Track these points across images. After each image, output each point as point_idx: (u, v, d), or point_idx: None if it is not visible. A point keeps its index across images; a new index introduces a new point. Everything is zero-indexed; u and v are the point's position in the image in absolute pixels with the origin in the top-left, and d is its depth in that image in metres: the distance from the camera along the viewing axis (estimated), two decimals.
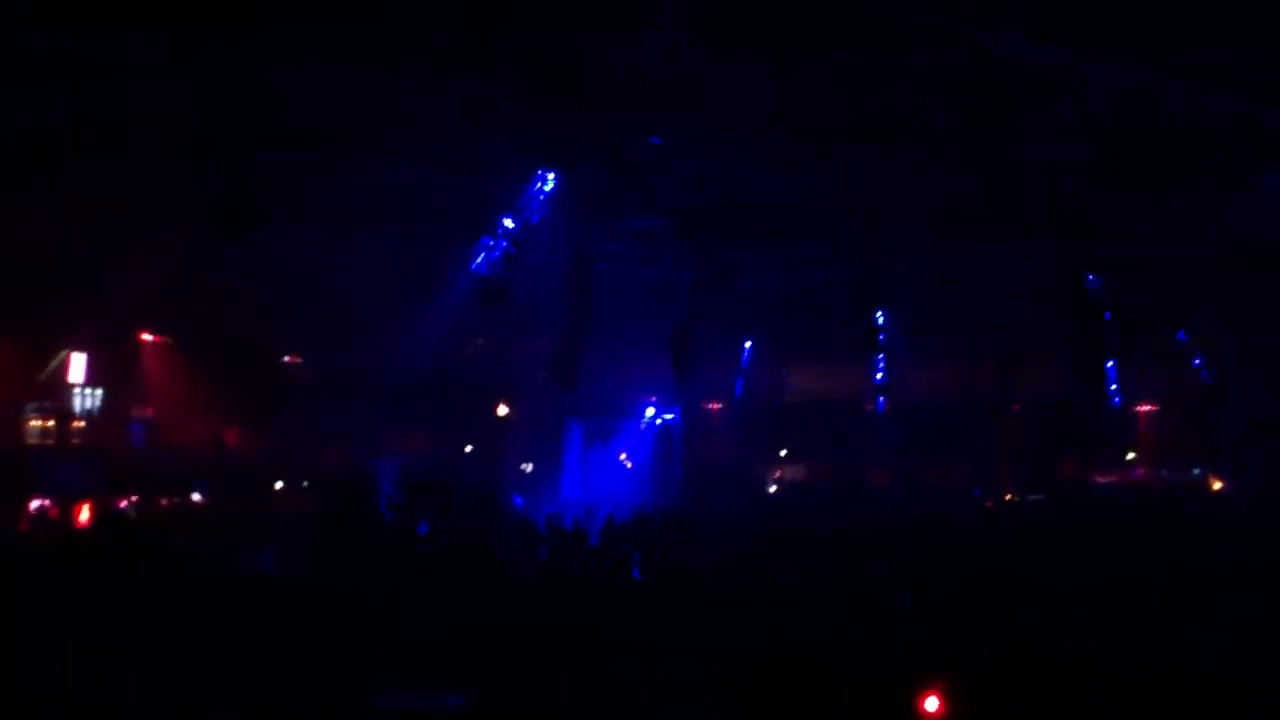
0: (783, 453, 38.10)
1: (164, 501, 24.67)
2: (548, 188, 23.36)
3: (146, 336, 28.04)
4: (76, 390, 27.66)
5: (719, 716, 10.60)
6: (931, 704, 10.16)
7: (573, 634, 11.95)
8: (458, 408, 28.77)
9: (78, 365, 27.40)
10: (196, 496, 25.14)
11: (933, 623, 13.00)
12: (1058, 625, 12.93)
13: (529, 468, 31.97)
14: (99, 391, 28.00)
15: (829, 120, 21.45)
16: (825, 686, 10.47)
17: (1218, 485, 33.71)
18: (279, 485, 25.62)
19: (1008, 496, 33.54)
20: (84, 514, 22.44)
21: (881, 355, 33.94)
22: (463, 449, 29.06)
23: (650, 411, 35.18)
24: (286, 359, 26.57)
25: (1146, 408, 35.72)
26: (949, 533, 21.19)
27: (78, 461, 25.37)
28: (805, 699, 10.44)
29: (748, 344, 35.73)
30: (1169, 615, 13.32)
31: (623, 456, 34.37)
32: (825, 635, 12.46)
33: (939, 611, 13.62)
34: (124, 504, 24.67)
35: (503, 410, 30.77)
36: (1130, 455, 36.93)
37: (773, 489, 36.18)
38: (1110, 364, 33.00)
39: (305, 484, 25.29)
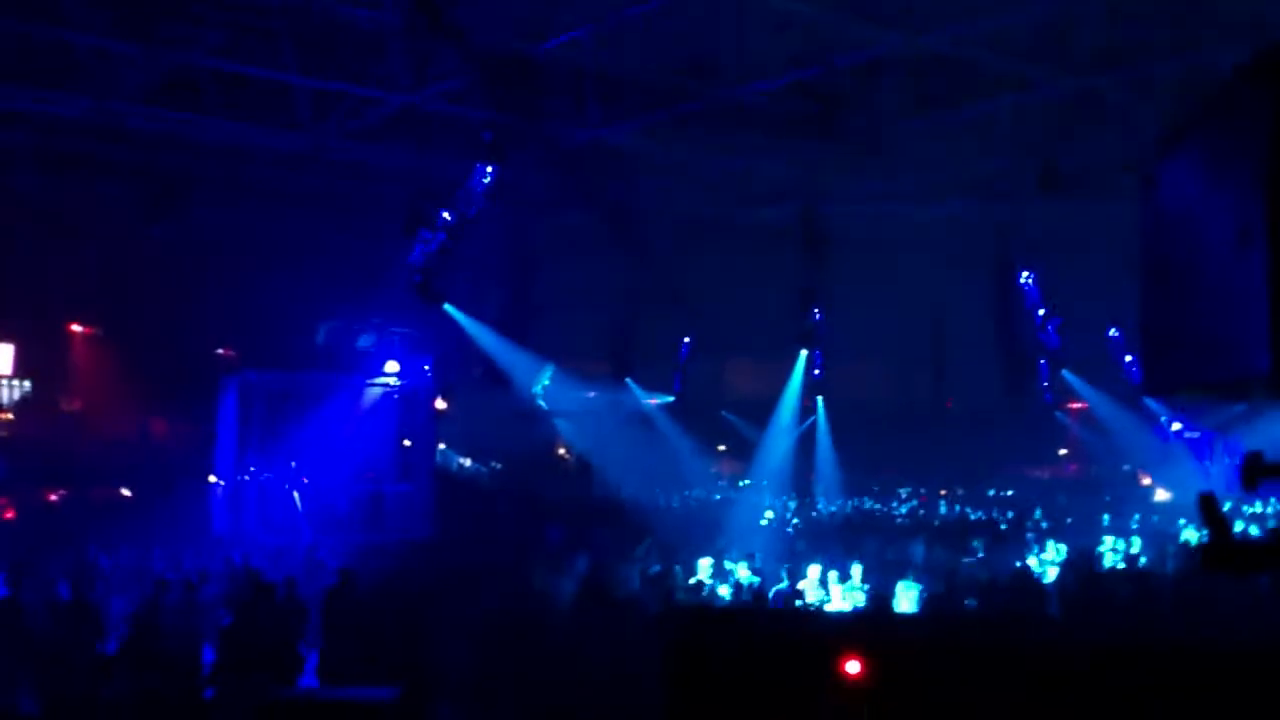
0: (721, 448, 38.16)
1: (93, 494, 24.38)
2: (486, 180, 23.21)
3: (76, 327, 27.63)
4: (4, 382, 27.22)
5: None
6: (853, 667, 10.06)
7: None
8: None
9: (5, 356, 26.98)
10: (125, 491, 24.84)
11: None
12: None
13: (467, 462, 31.56)
14: (27, 383, 27.57)
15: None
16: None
17: (1146, 481, 34.14)
18: (212, 479, 25.28)
19: (942, 492, 33.92)
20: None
21: (819, 352, 34.06)
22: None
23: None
24: (219, 350, 26.18)
25: (1078, 405, 36.02)
26: None
27: (4, 454, 24.93)
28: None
29: (686, 340, 35.59)
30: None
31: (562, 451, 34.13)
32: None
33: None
34: (53, 497, 24.38)
35: (440, 404, 30.40)
36: (1062, 451, 37.39)
37: None
38: (1042, 362, 33.43)
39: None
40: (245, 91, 19.50)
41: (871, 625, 10.40)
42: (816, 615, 12.01)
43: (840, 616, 12.01)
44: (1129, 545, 19.16)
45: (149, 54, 17.90)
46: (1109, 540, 19.49)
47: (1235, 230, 3.01)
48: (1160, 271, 3.79)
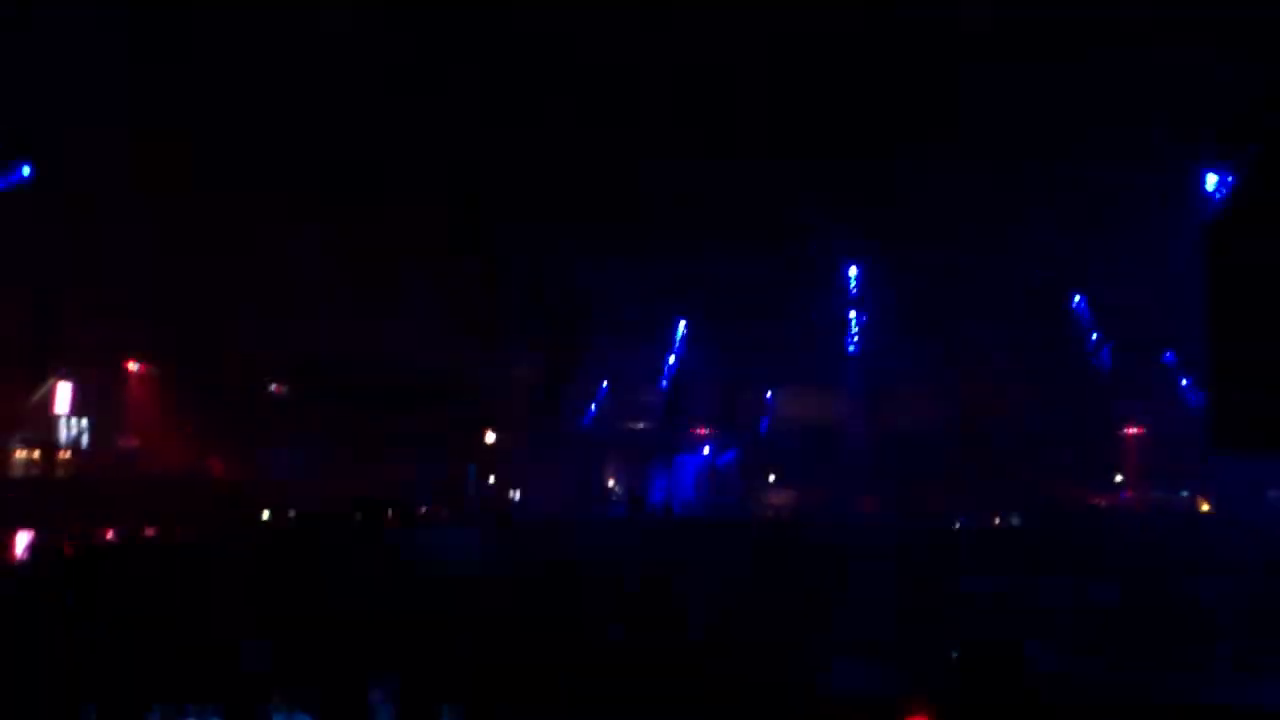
0: (771, 478, 38.04)
1: (149, 531, 24.50)
2: None
3: (132, 365, 27.91)
4: (62, 420, 27.49)
5: None
6: None
7: None
8: (445, 433, 28.64)
9: (63, 395, 27.23)
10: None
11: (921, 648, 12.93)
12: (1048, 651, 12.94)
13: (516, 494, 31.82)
14: (84, 421, 27.83)
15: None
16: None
17: (1205, 507, 33.68)
18: (266, 514, 25.40)
19: (996, 521, 33.47)
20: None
21: (869, 380, 34.13)
22: (450, 473, 28.88)
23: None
24: (273, 387, 26.47)
25: (1135, 430, 35.64)
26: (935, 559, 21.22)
27: (63, 492, 25.14)
28: None
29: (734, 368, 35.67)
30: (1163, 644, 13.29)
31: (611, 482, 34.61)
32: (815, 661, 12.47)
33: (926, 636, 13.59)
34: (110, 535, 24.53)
35: (489, 436, 30.69)
36: (1119, 478, 36.89)
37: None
38: (1097, 386, 33.15)
39: (291, 512, 25.11)
40: None
41: None
42: None
43: None
44: None
45: None
46: None
47: None
48: (1230, 326, 3.73)
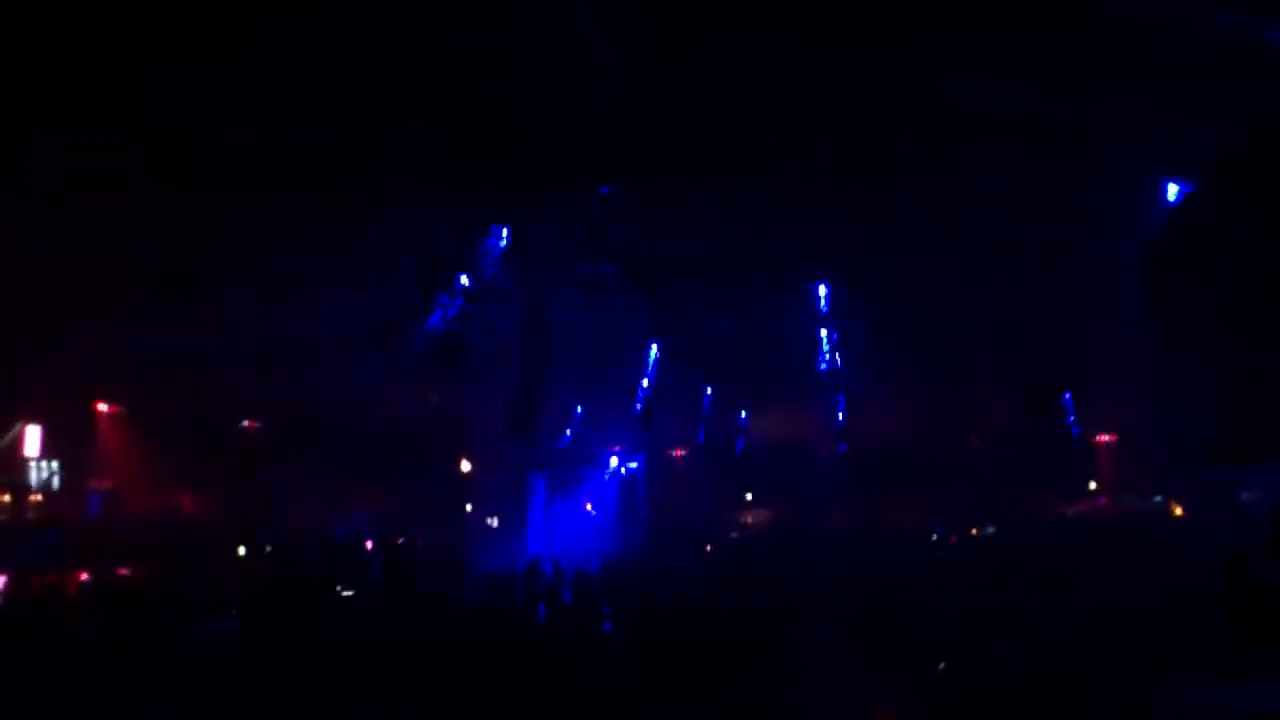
0: (748, 497, 38.13)
1: (122, 572, 24.38)
2: (502, 243, 23.45)
3: (102, 407, 27.81)
4: (32, 463, 27.36)
5: None
6: None
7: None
8: (419, 463, 28.64)
9: (33, 438, 27.12)
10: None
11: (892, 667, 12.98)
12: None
13: (494, 521, 31.84)
14: (55, 464, 27.70)
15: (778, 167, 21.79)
16: None
17: (1179, 511, 33.84)
18: (241, 551, 25.36)
19: (973, 531, 33.57)
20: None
21: (841, 396, 34.31)
22: (426, 505, 28.87)
23: (614, 461, 35.17)
24: (245, 423, 26.42)
25: (1105, 437, 35.78)
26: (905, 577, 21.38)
27: (33, 536, 25.01)
28: None
29: (709, 390, 35.82)
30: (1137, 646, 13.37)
31: (588, 506, 34.33)
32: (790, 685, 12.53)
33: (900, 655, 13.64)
34: (84, 577, 24.40)
35: (466, 466, 30.69)
36: (1092, 485, 37.04)
37: (735, 534, 36.10)
38: (1066, 395, 33.29)
39: (268, 549, 25.08)
40: None
41: None
42: None
43: None
44: None
45: None
46: None
47: None
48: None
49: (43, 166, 18.31)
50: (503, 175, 20.93)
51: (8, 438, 26.73)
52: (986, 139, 19.74)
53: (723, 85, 18.60)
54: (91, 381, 26.41)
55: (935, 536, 31.62)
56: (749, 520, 37.27)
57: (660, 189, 22.83)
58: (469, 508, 29.21)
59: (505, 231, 23.16)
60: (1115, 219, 22.99)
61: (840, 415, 34.75)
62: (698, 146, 20.71)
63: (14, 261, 20.52)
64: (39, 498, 27.21)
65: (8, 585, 21.73)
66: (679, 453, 36.98)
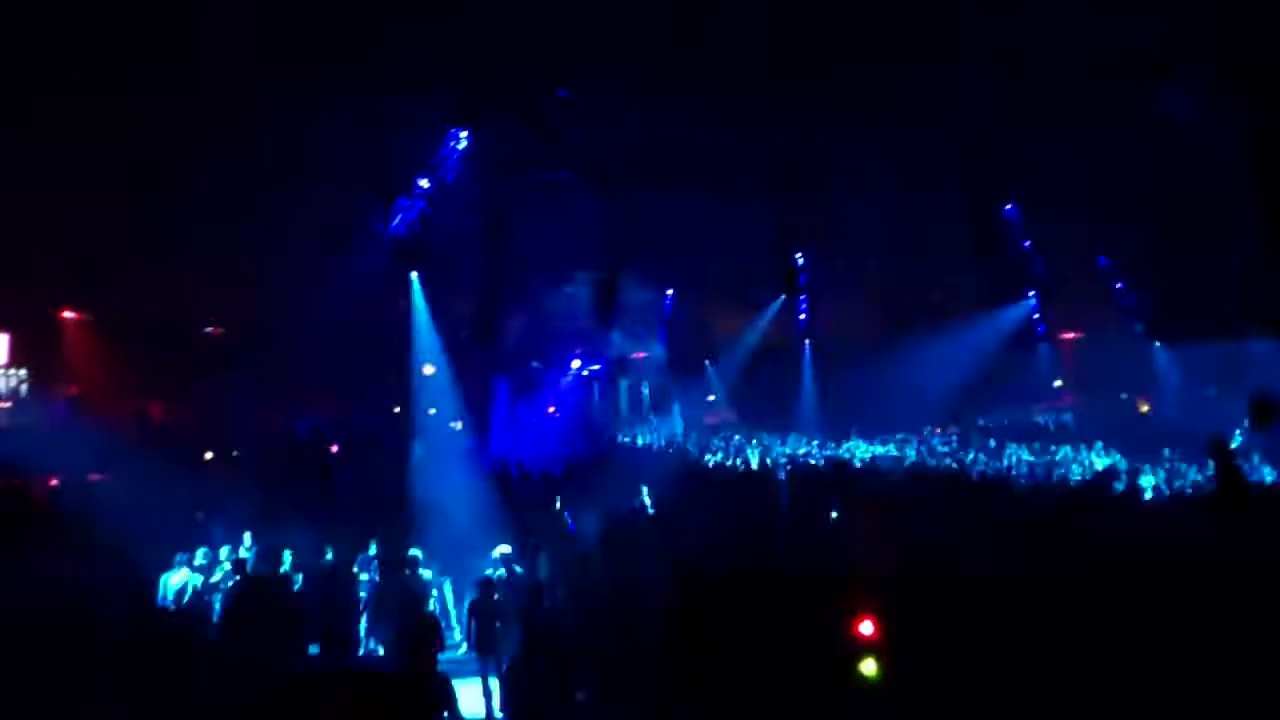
0: (710, 398, 38.58)
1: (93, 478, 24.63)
2: (461, 145, 23.51)
3: (67, 314, 27.94)
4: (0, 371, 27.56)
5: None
6: (866, 628, 10.40)
7: None
8: (382, 368, 28.84)
9: None
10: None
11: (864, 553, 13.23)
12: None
13: (459, 425, 32.13)
14: (23, 371, 27.89)
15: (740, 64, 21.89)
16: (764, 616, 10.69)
17: (1145, 408, 34.39)
18: (209, 456, 25.65)
19: (936, 430, 33.98)
20: None
21: (804, 296, 34.64)
22: (390, 409, 29.12)
23: (575, 364, 35.42)
24: (208, 329, 26.58)
25: (1071, 335, 36.14)
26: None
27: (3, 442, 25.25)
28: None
29: (669, 292, 36.03)
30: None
31: (551, 409, 34.59)
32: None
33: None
34: (53, 483, 24.67)
35: (428, 369, 30.88)
36: (1058, 383, 37.48)
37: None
38: (1032, 294, 33.67)
39: (235, 453, 25.38)
40: None
41: None
42: None
43: None
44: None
45: None
46: None
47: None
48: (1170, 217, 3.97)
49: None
50: (462, 77, 20.98)
51: None
52: None
53: None
54: (56, 288, 26.50)
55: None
56: (712, 421, 37.78)
57: (622, 91, 22.93)
58: (432, 411, 29.39)
59: (464, 134, 23.22)
60: None
61: (802, 316, 35.16)
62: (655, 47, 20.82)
63: None
64: (7, 404, 27.45)
65: None
66: (640, 355, 37.30)
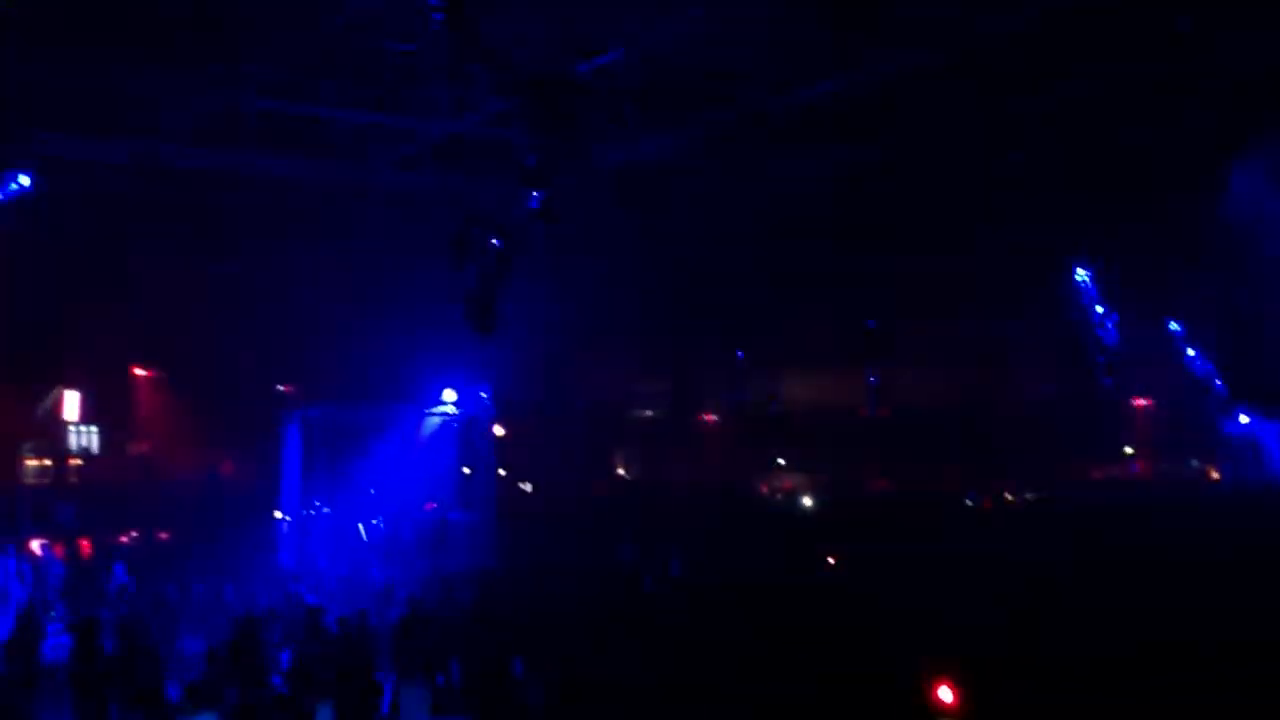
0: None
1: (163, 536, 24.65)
2: None
3: (139, 371, 28.11)
4: (72, 428, 27.71)
5: None
6: (945, 695, 10.15)
7: None
8: None
9: (71, 403, 27.44)
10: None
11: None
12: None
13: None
14: (94, 428, 28.05)
15: None
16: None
17: (1215, 476, 33.63)
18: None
19: (1008, 497, 33.26)
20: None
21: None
22: None
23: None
24: (280, 387, 26.56)
25: (1142, 402, 35.52)
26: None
27: (75, 499, 25.35)
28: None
29: None
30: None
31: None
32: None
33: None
34: (124, 540, 24.71)
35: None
36: (1128, 450, 36.74)
37: None
38: (1101, 359, 33.02)
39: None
40: (288, 125, 19.46)
41: None
42: None
43: None
44: None
45: (195, 94, 18.05)
46: None
47: None
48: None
49: None
50: None
51: (46, 403, 27.08)
52: None
53: None
54: (129, 347, 26.71)
55: (969, 502, 31.40)
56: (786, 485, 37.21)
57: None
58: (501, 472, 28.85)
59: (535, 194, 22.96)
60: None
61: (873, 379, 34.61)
62: None
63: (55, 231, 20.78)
64: (79, 461, 27.60)
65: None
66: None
